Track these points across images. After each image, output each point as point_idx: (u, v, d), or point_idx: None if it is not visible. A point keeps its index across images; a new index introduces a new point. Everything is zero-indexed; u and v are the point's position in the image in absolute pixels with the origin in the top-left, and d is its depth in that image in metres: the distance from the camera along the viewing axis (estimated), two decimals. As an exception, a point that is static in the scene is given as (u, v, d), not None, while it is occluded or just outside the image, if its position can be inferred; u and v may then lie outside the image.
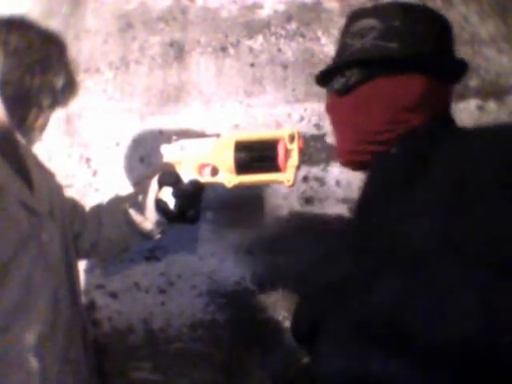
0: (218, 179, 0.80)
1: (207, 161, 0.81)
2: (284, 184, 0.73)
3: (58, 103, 0.87)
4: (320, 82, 0.80)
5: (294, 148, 0.74)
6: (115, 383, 1.26)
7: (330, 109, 0.76)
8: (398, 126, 0.67)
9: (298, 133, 0.75)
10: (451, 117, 0.72)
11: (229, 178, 0.78)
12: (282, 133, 0.75)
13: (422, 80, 0.66)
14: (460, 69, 0.73)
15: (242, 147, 0.76)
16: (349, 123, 0.72)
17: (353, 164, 0.75)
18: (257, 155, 0.75)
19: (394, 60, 0.67)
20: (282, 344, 1.14)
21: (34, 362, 0.74)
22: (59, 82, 0.84)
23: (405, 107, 0.67)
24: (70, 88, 0.88)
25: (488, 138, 0.58)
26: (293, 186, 0.73)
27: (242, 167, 0.76)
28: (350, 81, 0.70)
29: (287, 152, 0.74)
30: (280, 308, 1.14)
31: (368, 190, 0.72)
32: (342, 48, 0.74)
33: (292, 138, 0.74)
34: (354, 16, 0.74)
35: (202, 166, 0.82)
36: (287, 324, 1.13)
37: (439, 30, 0.70)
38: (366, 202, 0.72)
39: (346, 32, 0.74)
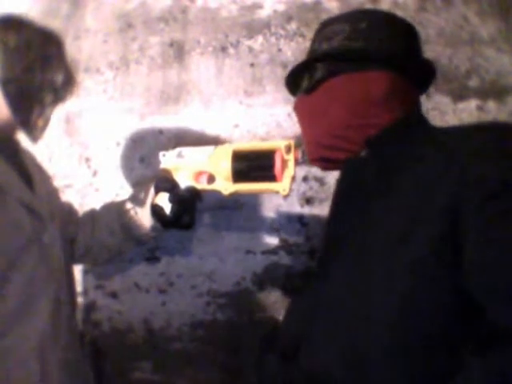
0: (214, 187, 0.81)
1: (204, 168, 0.83)
2: (280, 193, 0.75)
3: (60, 99, 0.87)
4: (290, 88, 0.81)
5: (291, 158, 0.76)
6: (115, 383, 1.26)
7: (298, 107, 0.77)
8: (364, 121, 0.68)
9: (295, 144, 0.77)
10: (422, 118, 0.72)
11: (225, 186, 0.80)
12: (279, 143, 0.77)
13: (386, 75, 0.67)
14: (427, 71, 0.73)
15: (239, 157, 0.78)
16: (315, 118, 0.73)
17: (321, 161, 0.75)
18: (254, 164, 0.77)
19: (357, 57, 0.69)
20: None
21: (35, 363, 0.74)
22: (59, 79, 0.85)
23: (369, 101, 0.67)
24: (69, 84, 0.88)
25: (457, 143, 0.59)
26: (288, 195, 0.76)
27: (238, 176, 0.78)
28: (315, 77, 0.71)
29: (284, 162, 0.76)
30: (280, 308, 1.14)
31: (337, 195, 0.74)
32: (311, 53, 0.76)
33: (288, 149, 0.76)
34: (325, 23, 0.75)
35: (199, 174, 0.84)
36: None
37: (405, 33, 0.72)
38: (335, 207, 0.74)
39: (315, 39, 0.76)
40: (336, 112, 0.69)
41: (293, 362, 0.69)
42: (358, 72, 0.68)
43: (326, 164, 0.76)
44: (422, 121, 0.72)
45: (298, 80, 0.77)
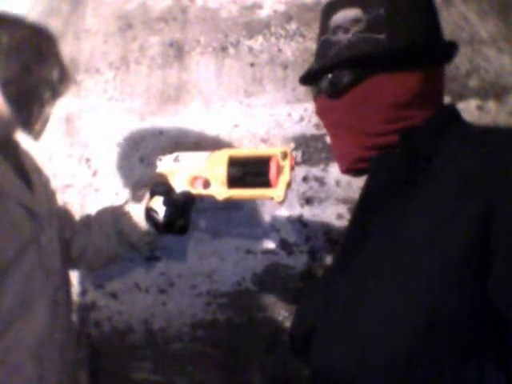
0: (209, 192, 0.81)
1: (200, 173, 0.83)
2: (274, 199, 0.75)
3: (57, 95, 0.87)
4: (305, 81, 0.74)
5: (286, 165, 0.76)
6: (115, 383, 1.26)
7: (323, 113, 0.71)
8: (398, 124, 0.64)
9: (291, 151, 0.77)
10: (456, 111, 0.67)
11: (220, 191, 0.79)
12: (275, 150, 0.77)
13: (418, 73, 0.63)
14: (450, 50, 0.68)
15: (235, 162, 0.78)
16: (346, 127, 0.67)
17: (354, 171, 0.72)
18: (249, 170, 0.77)
19: (386, 55, 0.63)
20: (281, 344, 1.14)
21: (32, 364, 0.74)
22: (55, 74, 0.85)
23: (403, 104, 0.63)
24: (65, 78, 0.88)
25: (491, 145, 0.57)
26: (283, 202, 0.75)
27: (234, 181, 0.78)
28: (342, 82, 0.65)
29: (279, 168, 0.75)
30: (280, 308, 1.14)
31: (368, 192, 0.70)
32: (325, 45, 0.68)
33: (284, 155, 0.76)
34: (331, 7, 0.66)
35: (195, 179, 0.84)
36: (287, 324, 1.13)
37: (425, 12, 0.65)
38: (365, 205, 0.71)
39: (325, 27, 0.67)
40: (367, 121, 0.65)
41: (303, 357, 0.68)
42: (388, 73, 0.63)
43: (358, 174, 0.73)
44: (455, 116, 0.67)
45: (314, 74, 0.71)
